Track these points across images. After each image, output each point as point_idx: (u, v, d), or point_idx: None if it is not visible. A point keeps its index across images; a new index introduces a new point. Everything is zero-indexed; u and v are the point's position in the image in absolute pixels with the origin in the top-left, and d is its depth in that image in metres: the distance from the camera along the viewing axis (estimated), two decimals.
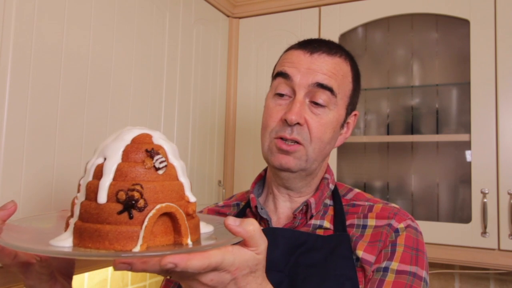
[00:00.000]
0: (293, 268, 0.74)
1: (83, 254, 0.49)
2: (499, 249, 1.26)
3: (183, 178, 0.54)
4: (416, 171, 1.58)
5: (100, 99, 1.08)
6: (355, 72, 0.85)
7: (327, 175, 0.86)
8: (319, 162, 0.82)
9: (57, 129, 0.97)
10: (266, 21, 1.64)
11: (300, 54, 0.81)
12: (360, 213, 0.81)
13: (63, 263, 0.67)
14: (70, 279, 0.69)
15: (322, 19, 1.55)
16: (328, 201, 0.84)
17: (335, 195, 0.84)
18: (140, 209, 0.48)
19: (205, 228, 0.57)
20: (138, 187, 0.49)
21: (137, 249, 0.47)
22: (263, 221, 0.83)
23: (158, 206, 0.48)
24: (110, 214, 0.49)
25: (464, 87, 1.42)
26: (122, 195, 0.48)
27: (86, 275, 1.43)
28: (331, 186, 0.86)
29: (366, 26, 1.57)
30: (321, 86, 0.78)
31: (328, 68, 0.79)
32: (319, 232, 0.80)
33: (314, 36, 0.99)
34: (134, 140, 0.54)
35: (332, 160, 1.48)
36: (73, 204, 0.54)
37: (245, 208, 0.88)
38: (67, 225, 0.53)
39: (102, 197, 0.50)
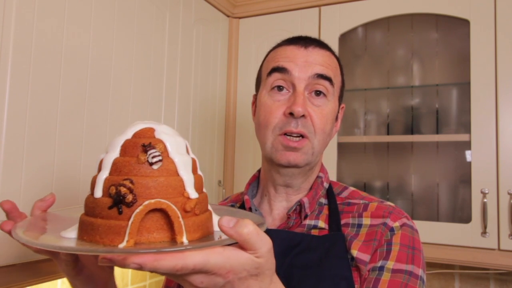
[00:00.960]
0: (288, 270, 0.73)
1: (54, 247, 0.47)
2: (499, 249, 1.26)
3: (184, 174, 0.52)
4: (416, 171, 1.58)
5: (100, 98, 1.08)
6: (340, 66, 0.88)
7: (320, 174, 0.86)
8: (321, 154, 0.84)
9: (57, 128, 0.97)
10: (266, 21, 1.64)
11: (294, 49, 0.82)
12: (355, 212, 0.80)
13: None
14: (98, 267, 0.70)
15: (322, 19, 1.55)
16: (323, 200, 0.84)
17: (330, 193, 0.84)
18: (128, 205, 0.47)
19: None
20: (127, 182, 0.48)
21: (123, 245, 0.46)
22: None
23: (146, 202, 0.47)
24: (103, 209, 0.49)
25: (464, 87, 1.42)
26: (113, 190, 0.48)
27: None
28: (325, 185, 0.86)
29: (366, 26, 1.57)
30: (321, 76, 0.79)
31: (324, 60, 0.81)
32: (314, 232, 0.79)
33: (314, 36, 1.00)
34: (135, 135, 0.53)
35: (332, 160, 1.48)
36: None
37: None
38: None
39: (98, 191, 0.50)
